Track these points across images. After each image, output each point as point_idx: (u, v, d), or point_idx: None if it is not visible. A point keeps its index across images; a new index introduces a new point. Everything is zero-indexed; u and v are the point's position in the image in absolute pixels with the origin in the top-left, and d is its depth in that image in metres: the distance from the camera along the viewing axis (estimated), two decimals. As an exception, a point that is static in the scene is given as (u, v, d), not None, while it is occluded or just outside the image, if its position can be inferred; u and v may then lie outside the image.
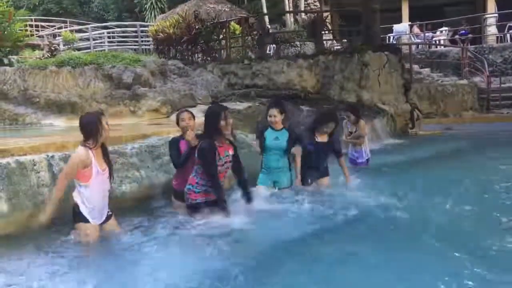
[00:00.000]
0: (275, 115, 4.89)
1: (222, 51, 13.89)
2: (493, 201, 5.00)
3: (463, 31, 17.42)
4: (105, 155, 3.77)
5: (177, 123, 4.65)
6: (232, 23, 14.94)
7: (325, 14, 14.03)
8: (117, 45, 19.48)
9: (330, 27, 16.00)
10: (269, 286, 3.13)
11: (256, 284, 3.11)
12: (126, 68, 10.07)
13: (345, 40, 15.25)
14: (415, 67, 15.40)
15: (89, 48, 18.27)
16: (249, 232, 3.97)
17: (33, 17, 23.89)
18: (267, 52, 13.97)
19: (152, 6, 24.94)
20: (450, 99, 13.44)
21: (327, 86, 11.24)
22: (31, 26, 22.79)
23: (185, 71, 11.38)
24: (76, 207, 3.64)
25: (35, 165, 4.12)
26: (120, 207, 4.32)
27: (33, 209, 3.99)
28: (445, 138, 11.06)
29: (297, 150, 5.06)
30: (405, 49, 14.98)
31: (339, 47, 14.69)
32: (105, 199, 3.76)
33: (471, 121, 12.84)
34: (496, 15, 17.81)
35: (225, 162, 4.06)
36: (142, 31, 19.17)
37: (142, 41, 19.21)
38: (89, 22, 23.81)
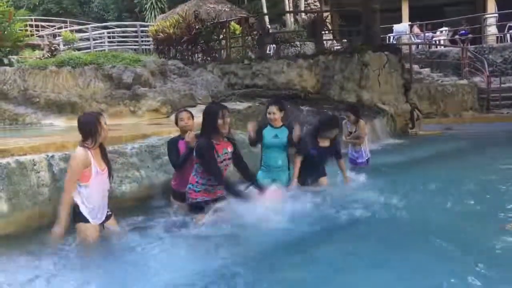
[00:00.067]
0: (274, 112, 4.88)
1: (222, 51, 13.90)
2: (493, 201, 5.00)
3: (463, 31, 17.42)
4: (104, 155, 3.77)
5: (176, 123, 4.65)
6: (232, 23, 14.94)
7: (325, 14, 14.03)
8: (117, 45, 19.48)
9: (330, 27, 16.00)
10: (269, 285, 3.13)
11: (256, 284, 3.11)
12: (126, 68, 10.07)
13: (345, 40, 15.26)
14: (415, 67, 15.40)
15: (89, 48, 18.28)
16: (249, 231, 3.97)
17: (33, 17, 23.89)
18: (267, 52, 13.97)
19: (152, 6, 24.95)
20: (450, 99, 13.44)
21: (327, 86, 11.24)
22: (31, 26, 22.79)
23: (185, 71, 11.38)
24: (76, 207, 3.63)
25: (35, 165, 4.12)
26: (120, 207, 4.33)
27: (33, 209, 4.00)
28: (445, 138, 11.06)
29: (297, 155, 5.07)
30: (405, 49, 14.98)
31: (339, 47, 14.70)
32: (104, 199, 3.76)
33: (471, 121, 12.84)
34: (496, 15, 17.81)
35: (224, 160, 4.05)
36: (142, 31, 19.17)
37: (142, 41, 19.21)
38: (89, 22, 23.81)
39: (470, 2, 19.73)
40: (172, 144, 4.56)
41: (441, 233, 3.95)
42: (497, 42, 17.23)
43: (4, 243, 3.73)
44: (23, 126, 8.96)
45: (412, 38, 18.40)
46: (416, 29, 18.80)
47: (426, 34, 18.15)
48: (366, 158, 6.61)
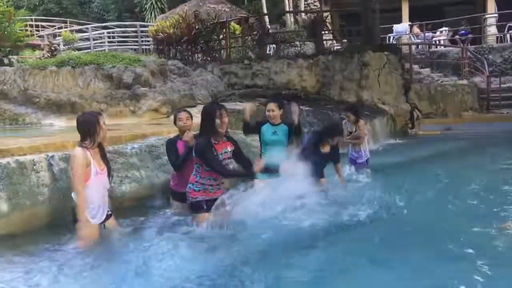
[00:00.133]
0: (273, 110, 4.89)
1: (222, 51, 13.89)
2: (493, 201, 5.00)
3: (463, 31, 17.41)
4: (103, 155, 3.78)
5: (175, 123, 4.65)
6: (232, 23, 14.94)
7: (325, 14, 14.03)
8: (117, 45, 19.47)
9: (330, 27, 15.99)
10: (270, 285, 3.13)
11: (257, 283, 3.11)
12: (126, 68, 10.08)
13: (345, 40, 15.25)
14: (415, 67, 15.39)
15: (89, 48, 18.27)
16: (250, 231, 3.97)
17: (33, 17, 23.88)
18: (267, 52, 13.97)
19: (152, 6, 24.95)
20: (450, 99, 13.42)
21: (327, 86, 11.26)
22: (31, 26, 22.78)
23: (185, 71, 11.39)
24: (76, 206, 3.64)
25: (35, 165, 4.13)
26: (120, 207, 4.33)
27: (33, 209, 4.00)
28: (445, 138, 11.06)
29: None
30: (405, 49, 14.97)
31: (339, 47, 14.69)
32: (104, 198, 3.76)
33: (471, 121, 12.83)
34: (496, 15, 17.79)
35: (224, 159, 4.05)
36: (142, 31, 19.16)
37: (142, 41, 19.21)
38: (89, 22, 23.79)
39: (470, 2, 19.71)
40: (171, 144, 4.56)
41: (441, 232, 3.96)
42: (497, 42, 17.21)
43: (4, 243, 3.73)
44: (23, 126, 8.96)
45: (412, 38, 18.39)
46: (416, 29, 18.78)
47: (426, 34, 18.13)
48: (366, 158, 6.61)
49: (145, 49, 18.74)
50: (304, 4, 19.59)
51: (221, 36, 13.97)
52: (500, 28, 17.34)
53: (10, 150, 4.17)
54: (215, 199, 4.07)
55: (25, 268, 3.37)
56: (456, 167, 7.17)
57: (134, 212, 4.47)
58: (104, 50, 17.31)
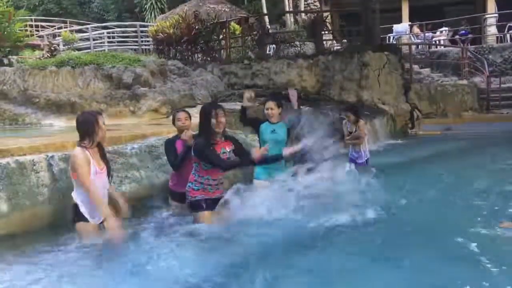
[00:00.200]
0: (272, 108, 4.88)
1: (222, 51, 13.89)
2: (493, 201, 5.00)
3: (463, 31, 17.41)
4: (102, 154, 3.78)
5: (173, 123, 4.66)
6: (232, 23, 14.94)
7: (325, 14, 14.03)
8: (117, 45, 19.46)
9: (330, 27, 15.99)
10: (270, 285, 3.13)
11: (257, 284, 3.11)
12: (126, 68, 10.08)
13: (345, 40, 15.25)
14: (415, 67, 15.39)
15: (89, 48, 18.26)
16: (250, 231, 3.97)
17: (33, 17, 23.88)
18: (267, 52, 13.97)
19: (152, 6, 24.95)
20: (450, 99, 13.42)
21: (327, 86, 11.25)
22: (31, 26, 22.78)
23: (185, 71, 11.39)
24: (75, 206, 3.64)
25: (34, 165, 4.12)
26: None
27: (32, 209, 4.00)
28: (445, 138, 11.06)
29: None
30: (405, 49, 14.97)
31: (339, 47, 14.69)
32: (104, 198, 3.76)
33: (471, 121, 12.84)
34: (496, 15, 17.79)
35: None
36: (142, 31, 19.16)
37: (142, 41, 19.20)
38: (89, 22, 23.79)
39: (470, 2, 19.71)
40: (170, 144, 4.56)
41: (442, 232, 3.96)
42: (497, 42, 17.21)
43: (4, 243, 3.73)
44: (23, 126, 8.96)
45: (412, 38, 18.39)
46: (416, 29, 18.78)
47: (426, 34, 18.14)
48: (366, 158, 6.60)
49: (145, 49, 18.74)
50: (304, 4, 19.59)
51: (221, 36, 13.97)
52: (500, 28, 17.34)
53: (10, 150, 4.16)
54: (215, 199, 4.07)
55: (25, 268, 3.36)
56: (456, 167, 7.17)
57: (133, 212, 4.46)
58: (104, 50, 17.31)
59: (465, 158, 8.19)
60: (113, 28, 21.51)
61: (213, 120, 3.93)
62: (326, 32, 14.68)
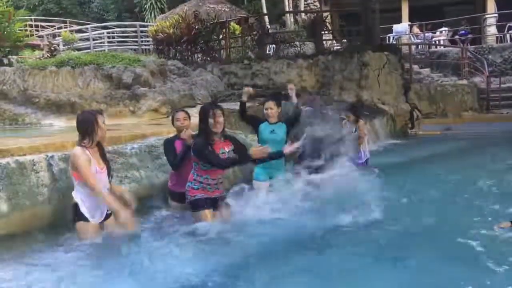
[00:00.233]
0: (271, 108, 4.88)
1: (222, 51, 13.89)
2: (493, 201, 5.00)
3: (463, 31, 17.41)
4: (102, 154, 3.78)
5: (173, 123, 4.67)
6: (232, 23, 14.94)
7: (325, 14, 14.03)
8: (117, 45, 19.45)
9: (330, 27, 15.98)
10: (269, 285, 3.13)
11: (256, 284, 3.11)
12: (126, 68, 10.08)
13: (345, 40, 15.25)
14: (415, 67, 15.39)
15: (89, 48, 18.25)
16: (250, 231, 3.97)
17: (33, 17, 23.86)
18: (267, 52, 13.97)
19: (152, 6, 24.94)
20: (449, 99, 13.42)
21: (327, 86, 11.25)
22: (31, 26, 22.77)
23: (184, 71, 11.39)
24: (75, 206, 3.64)
25: (34, 165, 4.12)
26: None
27: (32, 209, 4.00)
28: (444, 138, 11.06)
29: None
30: (405, 49, 14.97)
31: (339, 47, 14.69)
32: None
33: (470, 121, 12.84)
34: (496, 15, 17.78)
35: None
36: (142, 31, 19.15)
37: (142, 41, 19.19)
38: (89, 22, 23.78)
39: (470, 2, 19.71)
40: (169, 144, 4.57)
41: (442, 232, 3.97)
42: (496, 42, 17.21)
43: (4, 243, 3.73)
44: (23, 126, 8.97)
45: (412, 38, 18.39)
46: (415, 29, 18.78)
47: (426, 34, 18.13)
48: (366, 158, 6.60)
49: (145, 49, 18.73)
50: (304, 4, 19.58)
51: (220, 36, 13.97)
52: (500, 28, 17.34)
53: (10, 150, 4.16)
54: (214, 198, 4.07)
55: (25, 268, 3.37)
56: (456, 167, 7.17)
57: (133, 212, 4.46)
58: (104, 50, 17.30)
59: (465, 158, 8.19)
60: (113, 28, 21.50)
61: (211, 120, 3.92)
62: (326, 32, 14.67)
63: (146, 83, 10.04)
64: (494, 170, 6.65)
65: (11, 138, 5.75)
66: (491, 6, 18.32)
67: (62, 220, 3.94)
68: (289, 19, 18.67)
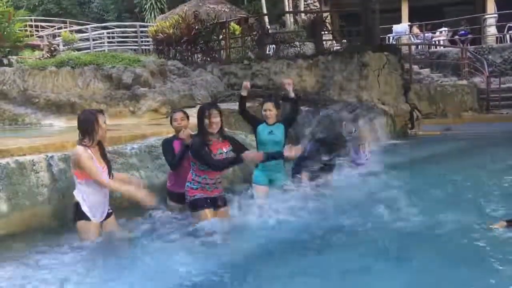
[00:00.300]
0: (270, 109, 4.87)
1: (222, 51, 13.89)
2: (493, 201, 5.00)
3: (463, 32, 17.42)
4: (103, 153, 3.78)
5: (171, 123, 4.67)
6: (232, 23, 14.94)
7: (324, 14, 14.02)
8: (117, 46, 19.45)
9: (329, 27, 15.98)
10: (269, 285, 3.13)
11: (256, 284, 3.11)
12: (125, 69, 10.08)
13: (345, 41, 15.25)
14: (415, 67, 15.39)
15: (89, 48, 18.26)
16: (249, 232, 3.97)
17: (32, 18, 23.86)
18: (267, 52, 13.96)
19: (152, 7, 24.94)
20: (449, 99, 13.43)
21: (327, 86, 11.24)
22: (30, 26, 22.77)
23: (184, 71, 11.38)
24: (77, 205, 3.64)
25: (34, 165, 4.13)
26: (119, 207, 4.32)
27: (32, 209, 4.00)
28: (444, 139, 11.06)
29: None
30: (404, 50, 14.96)
31: (338, 47, 14.68)
32: (105, 197, 3.77)
33: (470, 121, 12.84)
34: (496, 15, 17.80)
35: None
36: (142, 32, 19.15)
37: (142, 41, 19.20)
38: (89, 23, 23.79)
39: (470, 2, 19.72)
40: (167, 144, 4.57)
41: (442, 232, 3.96)
42: (496, 43, 17.22)
43: (4, 243, 3.73)
44: (23, 126, 8.96)
45: (412, 39, 18.39)
46: (415, 30, 18.79)
47: (426, 35, 18.14)
48: (366, 159, 6.60)
49: (145, 49, 18.73)
50: (304, 4, 19.58)
51: (220, 37, 13.96)
52: (499, 29, 17.35)
53: (9, 150, 4.17)
54: (214, 198, 4.06)
55: (25, 268, 3.37)
56: (456, 168, 7.17)
57: (133, 212, 4.46)
58: (104, 50, 17.31)
59: (465, 158, 8.19)
60: (113, 28, 21.50)
61: (206, 121, 3.89)
62: (326, 32, 14.66)
63: (146, 84, 10.04)
64: (494, 170, 6.65)
65: (11, 138, 5.76)
66: (491, 6, 18.33)
67: (62, 220, 3.95)
68: (289, 19, 18.67)
